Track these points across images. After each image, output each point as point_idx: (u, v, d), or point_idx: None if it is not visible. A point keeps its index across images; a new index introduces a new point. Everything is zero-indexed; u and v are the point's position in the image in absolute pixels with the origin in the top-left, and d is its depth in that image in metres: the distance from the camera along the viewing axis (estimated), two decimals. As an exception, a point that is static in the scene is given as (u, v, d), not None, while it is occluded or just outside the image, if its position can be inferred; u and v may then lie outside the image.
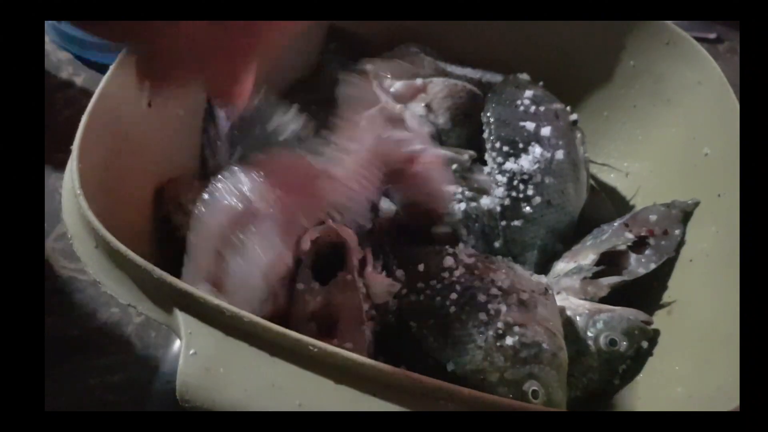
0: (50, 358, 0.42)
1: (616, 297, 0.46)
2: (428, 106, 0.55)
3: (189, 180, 0.44)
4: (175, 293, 0.30)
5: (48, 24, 0.67)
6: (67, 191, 0.34)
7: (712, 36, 0.80)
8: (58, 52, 0.68)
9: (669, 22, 0.56)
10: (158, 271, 0.31)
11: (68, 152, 0.33)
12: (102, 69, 0.38)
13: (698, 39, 0.54)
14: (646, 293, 0.47)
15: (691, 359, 0.40)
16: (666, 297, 0.46)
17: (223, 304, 0.29)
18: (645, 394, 0.40)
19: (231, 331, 0.29)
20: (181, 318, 0.29)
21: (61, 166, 0.34)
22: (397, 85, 0.55)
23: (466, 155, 0.54)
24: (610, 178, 0.59)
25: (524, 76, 0.57)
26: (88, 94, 0.37)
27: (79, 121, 0.35)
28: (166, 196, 0.43)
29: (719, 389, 0.34)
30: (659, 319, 0.45)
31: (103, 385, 0.45)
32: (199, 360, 0.29)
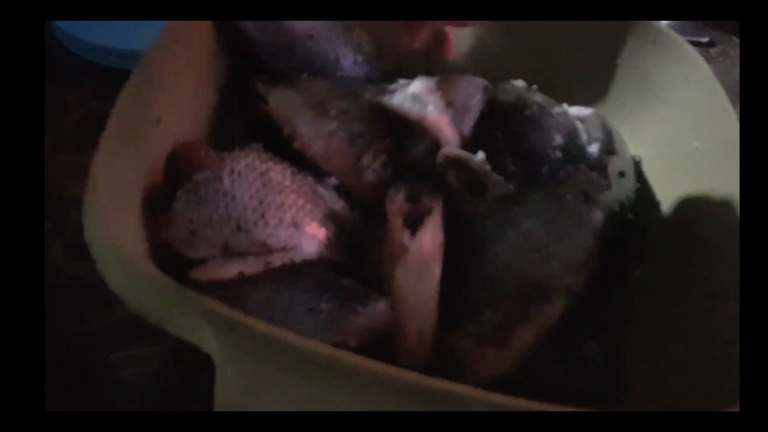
0: (56, 356, 0.42)
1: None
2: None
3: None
4: (206, 313, 0.30)
5: (55, 25, 0.67)
6: (90, 212, 0.34)
7: (705, 40, 0.81)
8: (66, 55, 0.68)
9: (654, 21, 0.56)
10: (190, 293, 0.31)
11: (77, 153, 0.33)
12: (110, 72, 0.38)
13: (691, 43, 0.55)
14: (643, 285, 0.47)
15: (691, 353, 0.40)
16: (664, 290, 0.47)
17: (256, 322, 0.29)
18: (646, 391, 0.40)
19: (266, 349, 0.29)
20: (214, 337, 0.29)
21: (70, 166, 0.34)
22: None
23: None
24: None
25: (519, 83, 0.57)
26: (96, 97, 0.37)
27: (87, 123, 0.35)
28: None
29: (719, 385, 0.35)
30: (658, 312, 0.45)
31: (111, 382, 0.45)
32: (236, 379, 0.28)
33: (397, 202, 0.43)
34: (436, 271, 0.41)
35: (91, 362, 0.46)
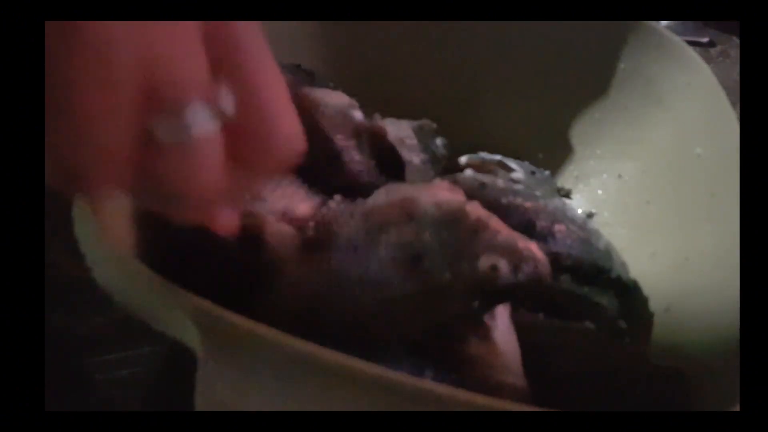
0: (55, 355, 0.42)
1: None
2: None
3: None
4: (189, 307, 0.30)
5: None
6: (80, 207, 0.34)
7: (705, 40, 0.81)
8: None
9: (658, 25, 0.56)
10: (173, 287, 0.30)
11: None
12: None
13: (691, 43, 0.55)
14: (643, 291, 0.47)
15: (690, 357, 0.40)
16: (663, 295, 0.47)
17: (238, 318, 0.29)
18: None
19: (249, 345, 0.29)
20: (197, 332, 0.29)
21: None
22: None
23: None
24: (602, 179, 0.59)
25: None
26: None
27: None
28: None
29: (719, 388, 0.35)
30: (657, 317, 0.45)
31: (110, 381, 0.45)
32: (217, 374, 0.28)
33: None
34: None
35: (90, 362, 0.46)
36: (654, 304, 0.47)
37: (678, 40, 0.56)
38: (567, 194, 0.58)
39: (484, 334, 0.38)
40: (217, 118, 0.23)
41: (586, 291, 0.45)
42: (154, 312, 0.32)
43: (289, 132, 0.26)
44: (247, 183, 0.27)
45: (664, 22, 0.59)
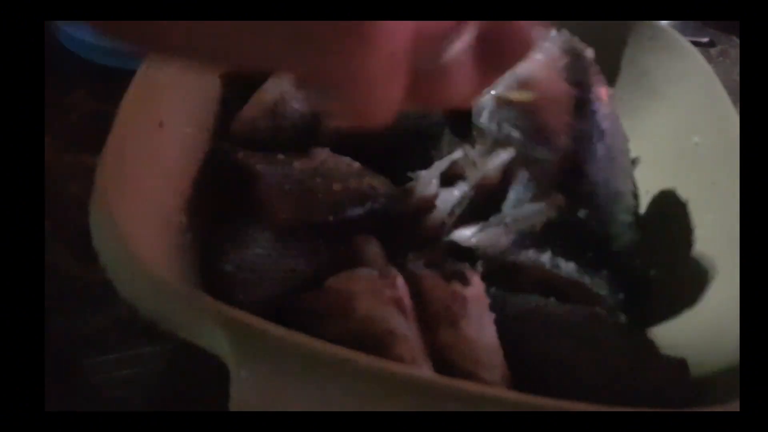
0: (56, 356, 0.42)
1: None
2: None
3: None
4: (220, 318, 0.29)
5: (55, 25, 0.67)
6: (98, 219, 0.34)
7: (705, 40, 0.81)
8: (66, 55, 0.68)
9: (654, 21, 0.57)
10: (203, 298, 0.30)
11: (77, 153, 0.33)
12: (110, 72, 0.38)
13: (691, 43, 0.55)
14: (647, 280, 0.47)
15: (696, 347, 0.40)
16: (668, 284, 0.47)
17: (270, 326, 0.29)
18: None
19: (280, 353, 0.29)
20: (228, 343, 0.29)
21: (70, 166, 0.34)
22: None
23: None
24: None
25: None
26: (96, 97, 0.37)
27: (87, 123, 0.35)
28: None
29: (721, 380, 0.35)
30: (664, 307, 0.45)
31: (110, 381, 0.45)
32: (252, 384, 0.28)
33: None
34: (490, 315, 0.39)
35: (90, 362, 0.46)
36: (660, 294, 0.46)
37: (672, 32, 0.56)
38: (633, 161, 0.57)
39: (453, 321, 0.38)
40: (462, 45, 0.29)
41: (587, 281, 0.45)
42: (183, 323, 0.31)
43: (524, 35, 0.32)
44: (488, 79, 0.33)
45: (664, 23, 0.59)
